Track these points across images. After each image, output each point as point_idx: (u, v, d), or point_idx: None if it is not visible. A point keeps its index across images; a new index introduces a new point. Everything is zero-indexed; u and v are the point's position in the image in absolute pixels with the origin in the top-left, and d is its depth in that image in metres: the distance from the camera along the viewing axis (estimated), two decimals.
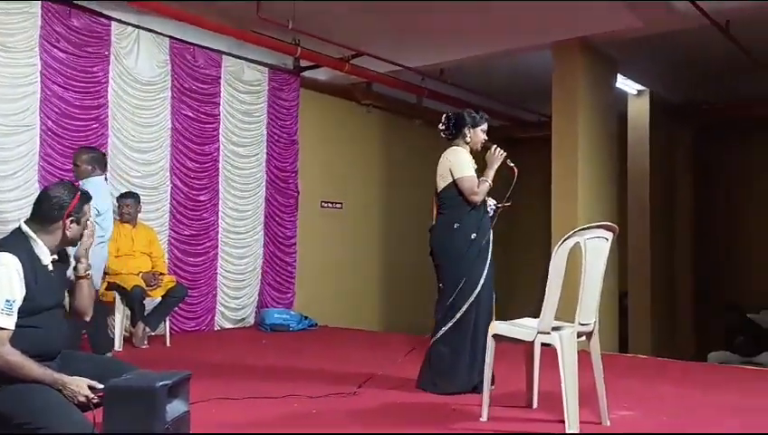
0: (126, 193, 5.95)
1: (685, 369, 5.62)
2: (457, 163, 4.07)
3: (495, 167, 4.08)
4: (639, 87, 9.16)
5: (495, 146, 4.14)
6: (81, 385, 2.51)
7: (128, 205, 5.83)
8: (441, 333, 4.01)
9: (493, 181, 4.09)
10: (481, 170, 4.10)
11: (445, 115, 4.30)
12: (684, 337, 9.97)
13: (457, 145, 4.18)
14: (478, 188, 4.00)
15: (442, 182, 4.13)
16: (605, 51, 7.48)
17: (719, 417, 3.66)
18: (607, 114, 7.62)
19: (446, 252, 4.05)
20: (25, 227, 2.62)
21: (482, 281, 3.99)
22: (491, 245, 4.09)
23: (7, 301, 2.44)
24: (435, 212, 4.23)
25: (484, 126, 4.20)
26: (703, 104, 9.88)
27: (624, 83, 8.71)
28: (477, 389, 3.86)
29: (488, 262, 4.04)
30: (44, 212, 2.64)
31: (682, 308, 10.07)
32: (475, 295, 3.96)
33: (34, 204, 2.68)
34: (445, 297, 4.04)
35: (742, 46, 6.81)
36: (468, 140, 4.17)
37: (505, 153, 4.11)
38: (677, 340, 9.83)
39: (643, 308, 9.18)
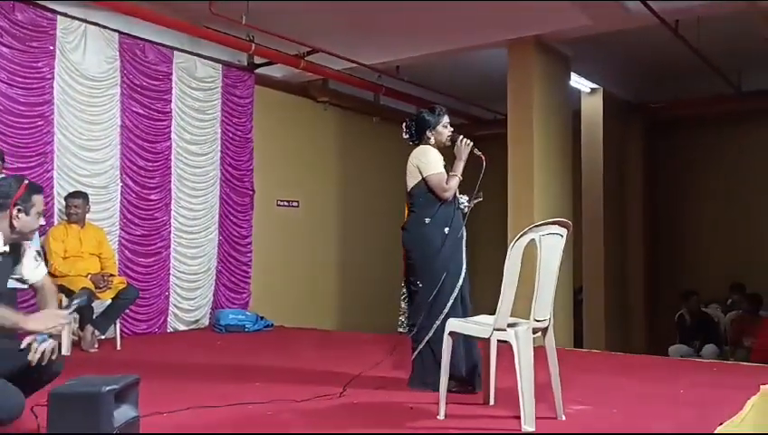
0: (74, 193, 5.78)
1: (637, 363, 5.74)
2: (425, 161, 4.04)
3: (464, 158, 4.03)
4: (592, 85, 9.31)
5: (461, 137, 4.10)
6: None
7: (76, 205, 5.67)
8: (433, 331, 3.90)
9: (462, 174, 4.05)
10: (450, 163, 4.07)
11: (404, 123, 4.28)
12: (636, 331, 10.17)
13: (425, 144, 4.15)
14: (447, 184, 3.97)
15: (411, 181, 4.10)
16: (559, 49, 7.57)
17: (669, 409, 3.72)
18: (561, 111, 7.72)
19: (420, 249, 4.01)
20: None
21: (462, 274, 3.95)
22: (464, 240, 4.04)
23: None
24: (406, 211, 4.19)
25: (445, 120, 4.15)
26: (653, 102, 10.09)
27: (578, 81, 8.84)
28: (473, 386, 3.87)
29: (464, 256, 4.00)
30: None
31: (635, 302, 10.28)
32: (458, 289, 3.92)
33: None
34: (425, 295, 3.95)
35: (691, 46, 6.97)
36: (432, 141, 4.14)
37: (471, 143, 4.07)
38: (630, 334, 10.03)
39: (597, 303, 9.34)
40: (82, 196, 5.76)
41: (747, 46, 7.44)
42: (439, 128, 4.13)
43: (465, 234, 4.07)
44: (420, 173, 4.04)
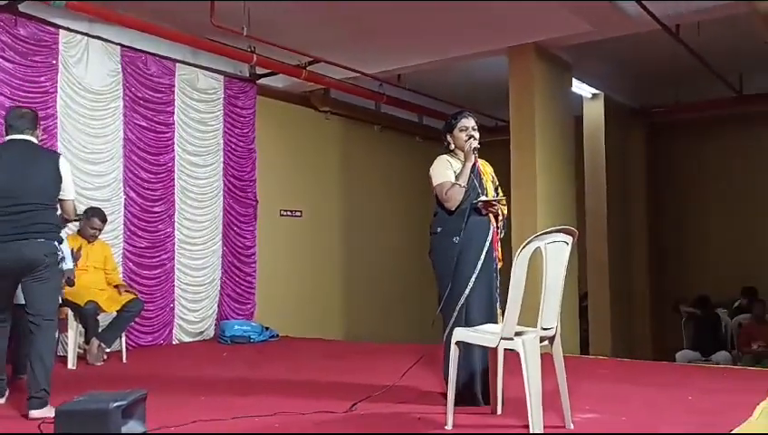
0: (93, 211, 5.71)
1: (644, 369, 5.70)
2: (433, 171, 4.01)
3: (469, 166, 3.92)
4: (594, 90, 9.31)
5: (471, 140, 3.98)
6: None
7: (95, 226, 5.65)
8: (445, 335, 3.82)
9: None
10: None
11: None
12: (642, 336, 10.14)
13: (448, 154, 4.08)
14: (446, 194, 3.90)
15: (432, 190, 4.06)
16: (560, 55, 7.58)
17: (678, 416, 3.70)
18: (563, 117, 7.71)
19: (434, 257, 3.98)
20: None
21: (469, 286, 3.82)
22: (486, 247, 3.88)
23: None
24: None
25: (462, 123, 4.00)
26: (654, 106, 10.09)
27: (579, 87, 8.84)
28: (470, 399, 3.80)
29: (479, 266, 3.84)
30: None
31: (640, 307, 10.25)
32: (462, 300, 3.82)
33: None
34: (439, 301, 3.93)
35: (691, 50, 6.97)
36: (452, 146, 4.05)
37: (475, 145, 3.97)
38: (636, 339, 10.00)
39: (603, 309, 9.31)
40: (101, 215, 5.72)
41: (748, 49, 7.44)
42: (455, 132, 4.01)
43: (490, 239, 3.91)
44: (432, 185, 4.00)
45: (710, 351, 7.34)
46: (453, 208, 3.91)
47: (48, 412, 3.45)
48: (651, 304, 10.37)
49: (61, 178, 3.85)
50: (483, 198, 3.91)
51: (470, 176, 3.93)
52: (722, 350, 7.42)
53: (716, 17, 6.33)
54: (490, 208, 3.92)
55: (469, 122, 4.03)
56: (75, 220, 4.95)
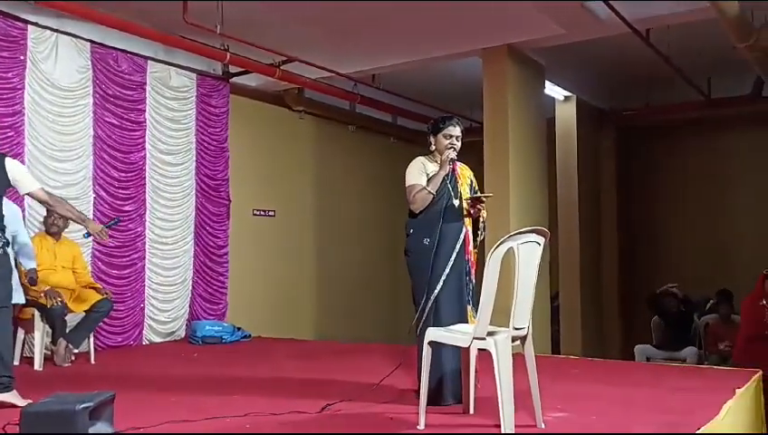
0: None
1: (615, 368, 5.78)
2: (407, 172, 4.05)
3: (442, 174, 3.96)
4: (566, 93, 9.40)
5: (450, 150, 4.01)
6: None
7: (56, 217, 5.53)
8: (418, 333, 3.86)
9: None
10: None
11: None
12: (612, 334, 10.26)
13: (427, 154, 4.11)
14: (413, 197, 3.95)
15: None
16: (533, 57, 7.64)
17: (647, 414, 3.75)
18: (536, 119, 7.77)
19: (407, 258, 4.02)
20: None
21: (438, 286, 3.86)
22: (457, 248, 3.93)
23: None
24: None
25: (448, 130, 4.02)
26: (625, 109, 10.23)
27: (551, 89, 8.92)
28: (440, 399, 3.82)
29: (449, 266, 3.89)
30: None
31: (610, 306, 10.37)
32: (432, 301, 3.86)
33: None
34: (413, 301, 3.98)
35: (661, 54, 7.07)
36: (433, 148, 4.09)
37: (452, 156, 4.01)
38: (606, 337, 10.12)
39: (573, 308, 9.40)
40: None
41: (716, 54, 7.57)
42: (439, 136, 4.04)
43: (459, 243, 3.96)
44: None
45: (678, 347, 7.43)
46: (416, 211, 3.98)
47: (12, 398, 3.49)
48: (621, 304, 10.50)
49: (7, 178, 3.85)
50: (467, 196, 3.99)
51: (443, 182, 3.98)
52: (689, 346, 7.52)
53: (686, 22, 6.43)
54: (478, 205, 3.98)
55: (455, 131, 4.05)
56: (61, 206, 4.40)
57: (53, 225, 5.56)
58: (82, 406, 2.43)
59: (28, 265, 5.15)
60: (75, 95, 6.27)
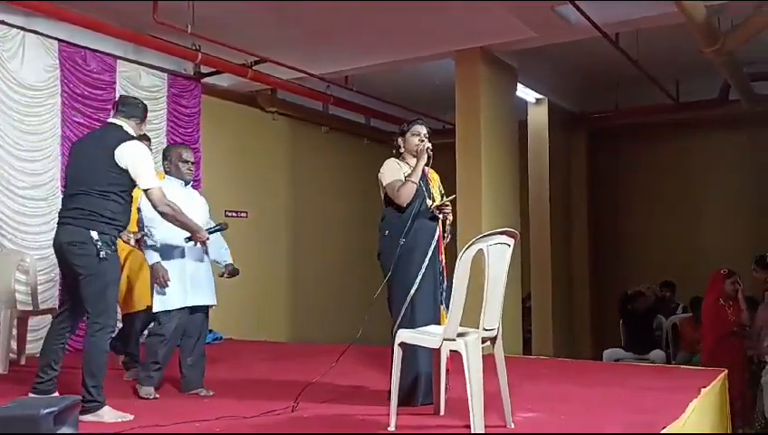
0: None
1: (584, 368, 5.86)
2: (382, 172, 4.09)
3: (421, 164, 4.01)
4: (538, 95, 9.48)
5: (423, 143, 4.07)
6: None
7: None
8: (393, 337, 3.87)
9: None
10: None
11: None
12: (583, 335, 10.38)
13: (396, 157, 4.16)
14: (398, 190, 3.97)
15: (381, 193, 4.12)
16: (505, 60, 7.69)
17: (615, 414, 3.80)
18: (508, 121, 7.82)
19: (382, 259, 4.03)
20: None
21: (415, 286, 3.86)
22: (431, 249, 3.95)
23: None
24: None
25: (415, 129, 4.13)
26: (595, 112, 10.36)
27: (523, 92, 8.99)
28: (413, 400, 3.83)
29: (424, 267, 3.90)
30: None
31: (581, 307, 10.48)
32: (408, 301, 3.86)
33: None
34: (388, 303, 3.99)
35: (630, 57, 7.17)
36: (402, 150, 4.16)
37: (428, 145, 4.06)
38: (577, 338, 10.22)
39: (545, 309, 9.48)
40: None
41: (684, 58, 7.70)
42: (408, 135, 4.14)
43: (434, 244, 3.98)
44: (381, 184, 4.07)
45: (646, 350, 7.53)
46: (404, 205, 3.97)
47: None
48: (592, 305, 10.62)
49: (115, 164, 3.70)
50: (436, 202, 4.02)
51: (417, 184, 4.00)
52: (656, 349, 7.63)
53: (654, 26, 6.54)
54: (444, 210, 4.01)
55: (422, 129, 4.16)
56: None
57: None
58: (47, 411, 2.39)
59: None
60: (43, 94, 6.17)
